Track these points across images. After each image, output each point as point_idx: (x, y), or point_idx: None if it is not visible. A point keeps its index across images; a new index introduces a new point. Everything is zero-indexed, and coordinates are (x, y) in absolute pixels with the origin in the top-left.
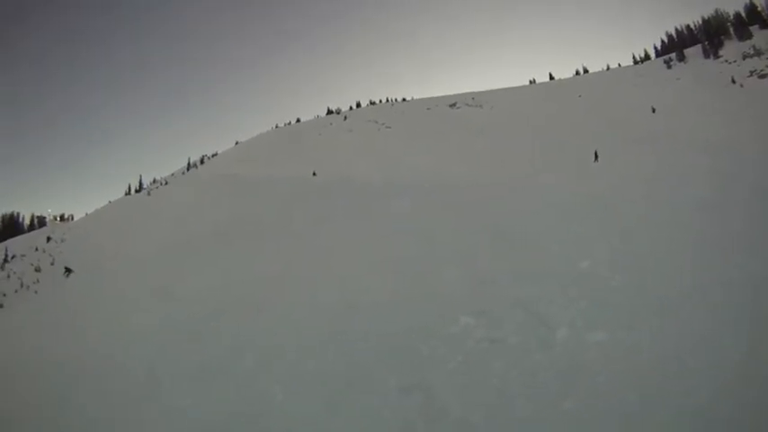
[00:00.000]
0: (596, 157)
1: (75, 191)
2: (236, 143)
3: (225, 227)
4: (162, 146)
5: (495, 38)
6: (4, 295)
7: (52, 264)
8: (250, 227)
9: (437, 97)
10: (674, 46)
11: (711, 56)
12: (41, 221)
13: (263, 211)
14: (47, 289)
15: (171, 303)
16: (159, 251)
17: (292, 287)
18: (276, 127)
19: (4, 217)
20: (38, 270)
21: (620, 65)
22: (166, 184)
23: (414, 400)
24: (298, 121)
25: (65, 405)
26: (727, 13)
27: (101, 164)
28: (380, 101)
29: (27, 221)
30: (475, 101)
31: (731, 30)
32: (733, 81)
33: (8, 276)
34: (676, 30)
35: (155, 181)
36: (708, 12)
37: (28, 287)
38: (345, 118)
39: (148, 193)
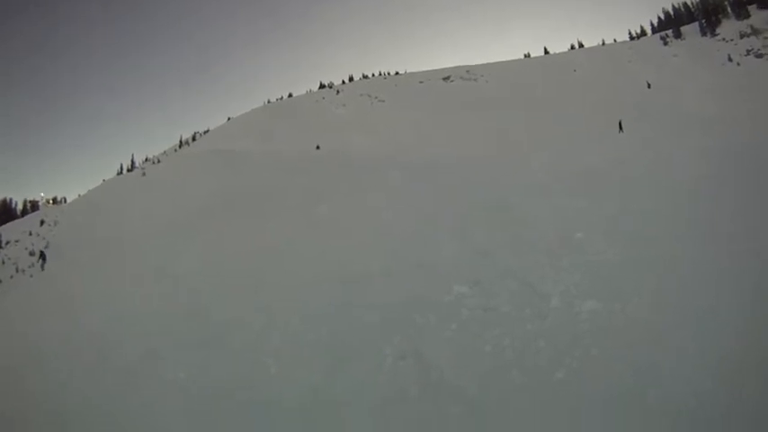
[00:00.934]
0: (620, 127)
1: (67, 174)
2: (229, 119)
3: (223, 202)
4: (152, 126)
5: (492, 12)
6: (0, 282)
7: (46, 247)
8: (248, 200)
9: (431, 71)
10: (671, 23)
11: (708, 34)
12: (34, 206)
13: (258, 185)
14: (42, 272)
15: (170, 280)
16: (155, 229)
17: (291, 261)
18: (268, 102)
19: None
20: (32, 254)
21: (615, 40)
22: (159, 162)
23: (409, 367)
24: (290, 96)
25: (64, 390)
26: None
27: (91, 146)
28: (373, 74)
29: (20, 207)
30: (469, 74)
31: (729, 8)
32: (730, 59)
33: (2, 262)
34: (673, 7)
35: (147, 159)
36: None
37: (23, 271)
38: (338, 92)
39: (143, 173)
